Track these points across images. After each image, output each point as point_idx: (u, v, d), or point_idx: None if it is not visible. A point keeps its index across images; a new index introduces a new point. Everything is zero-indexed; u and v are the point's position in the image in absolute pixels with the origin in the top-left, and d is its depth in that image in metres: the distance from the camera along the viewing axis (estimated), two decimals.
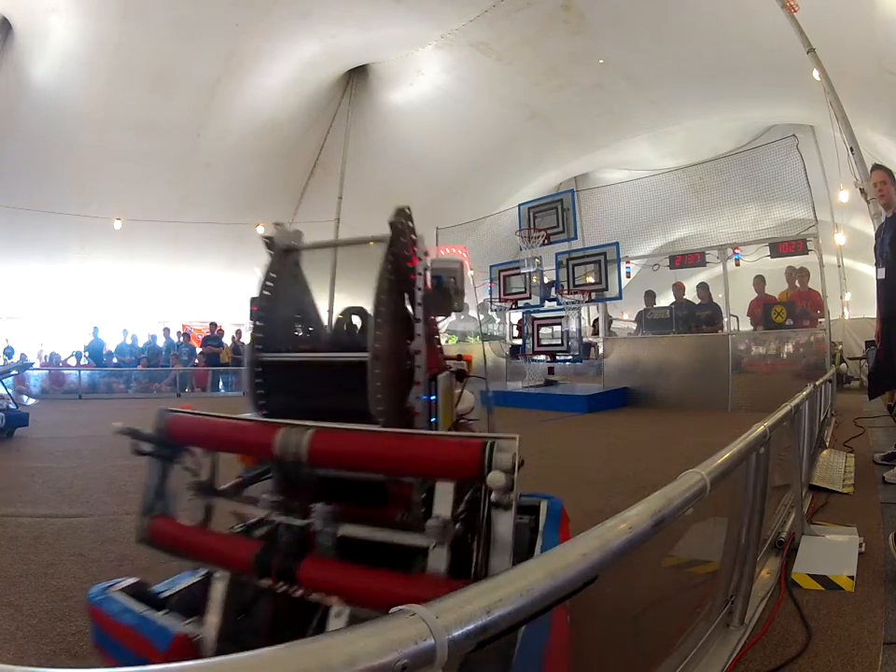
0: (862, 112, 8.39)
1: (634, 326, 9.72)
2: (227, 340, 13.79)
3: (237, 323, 13.60)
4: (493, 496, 1.08)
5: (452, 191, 14.84)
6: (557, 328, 8.75)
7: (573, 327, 8.56)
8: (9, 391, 6.42)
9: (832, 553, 2.14)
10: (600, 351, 8.74)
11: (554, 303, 8.80)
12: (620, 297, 8.38)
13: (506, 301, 9.53)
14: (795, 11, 7.28)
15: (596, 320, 9.48)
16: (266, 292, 1.65)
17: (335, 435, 1.31)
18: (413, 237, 1.55)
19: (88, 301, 13.64)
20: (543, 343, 8.93)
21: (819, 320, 7.39)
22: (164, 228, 12.96)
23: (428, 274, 1.60)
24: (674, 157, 14.10)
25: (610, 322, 9.53)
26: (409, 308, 1.57)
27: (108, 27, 9.60)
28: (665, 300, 9.93)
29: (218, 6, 9.65)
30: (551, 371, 9.28)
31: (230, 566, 1.32)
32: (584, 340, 8.70)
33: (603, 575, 0.72)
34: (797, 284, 7.87)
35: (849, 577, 1.92)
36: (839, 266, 12.84)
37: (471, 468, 1.11)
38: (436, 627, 0.46)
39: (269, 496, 1.43)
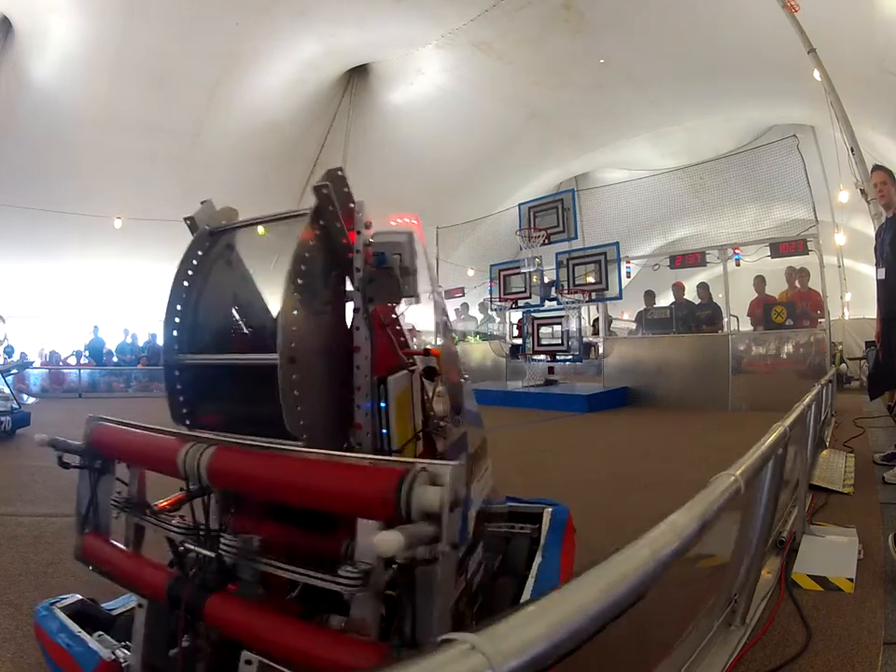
0: (863, 112, 8.39)
1: (634, 325, 9.71)
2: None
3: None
4: (419, 550, 0.82)
5: (452, 191, 14.83)
6: (557, 327, 8.74)
7: (573, 326, 8.56)
8: (12, 391, 6.40)
9: (831, 554, 2.14)
10: (600, 351, 8.74)
11: (554, 303, 8.79)
12: (620, 297, 8.38)
13: (506, 300, 9.53)
14: (796, 11, 7.28)
15: (596, 320, 9.48)
16: (185, 282, 1.39)
17: (236, 454, 1.12)
18: (351, 205, 1.26)
19: (88, 299, 13.63)
20: (543, 342, 8.92)
21: (819, 320, 7.38)
22: (164, 227, 12.90)
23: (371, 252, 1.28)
24: (674, 157, 14.10)
25: (610, 322, 9.53)
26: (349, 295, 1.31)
27: (109, 27, 9.59)
28: (665, 300, 9.92)
29: (218, 6, 9.65)
30: (551, 370, 9.27)
31: (147, 592, 1.20)
32: (584, 339, 8.69)
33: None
34: (797, 284, 7.87)
35: (848, 579, 1.92)
36: (839, 266, 12.84)
37: (385, 505, 0.86)
38: (495, 658, 0.40)
39: (179, 521, 1.26)
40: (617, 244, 8.37)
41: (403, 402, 1.35)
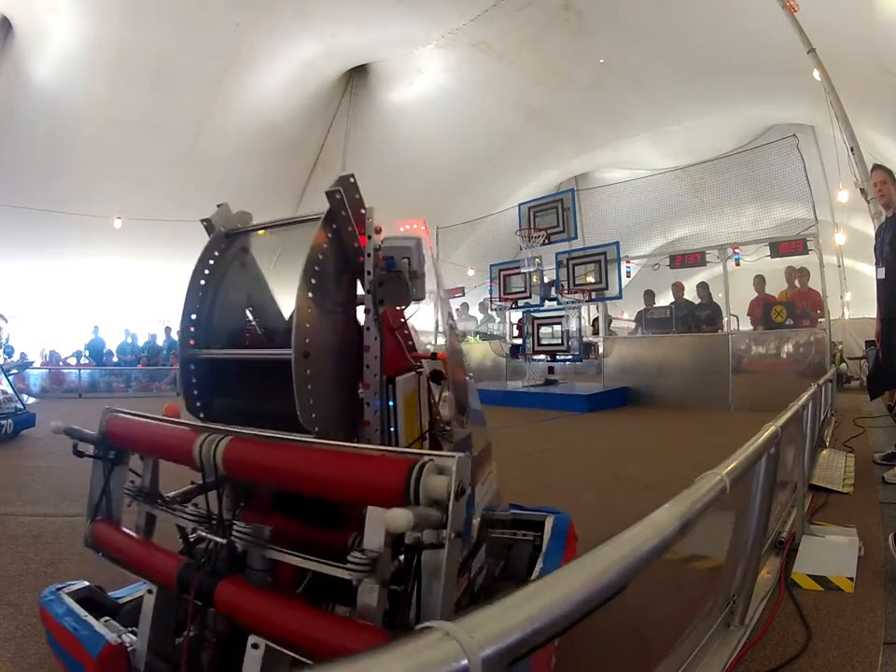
0: (862, 112, 8.39)
1: (634, 325, 9.71)
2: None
3: None
4: (423, 533, 0.86)
5: (452, 191, 14.83)
6: (557, 327, 8.74)
7: (573, 326, 8.56)
8: (15, 391, 6.40)
9: (831, 553, 2.14)
10: (600, 351, 8.74)
11: (554, 303, 8.79)
12: (620, 296, 8.38)
13: (506, 300, 9.53)
14: (795, 11, 7.28)
15: (596, 319, 9.48)
16: (201, 281, 1.45)
17: (251, 444, 1.17)
18: (363, 210, 1.31)
19: (88, 299, 13.63)
20: (543, 342, 8.92)
21: (819, 320, 7.38)
22: (164, 227, 12.95)
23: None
24: (674, 156, 14.11)
25: (610, 322, 9.53)
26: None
27: (109, 27, 9.59)
28: (665, 299, 9.92)
29: (218, 5, 9.64)
30: (551, 370, 9.27)
31: (157, 579, 1.24)
32: (584, 339, 8.69)
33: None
34: (797, 284, 7.87)
35: (849, 578, 1.92)
36: (839, 266, 12.85)
37: (394, 493, 0.90)
38: (469, 646, 0.43)
39: (194, 508, 1.30)
40: (617, 243, 8.37)
41: (411, 403, 1.39)
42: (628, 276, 8.72)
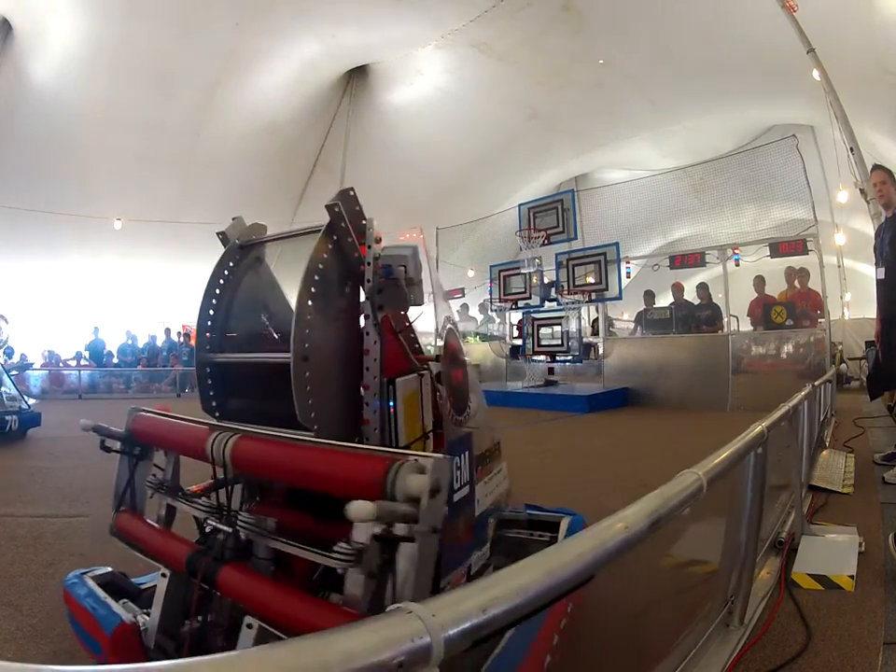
0: (862, 112, 8.39)
1: (633, 326, 9.71)
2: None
3: None
4: (397, 526, 0.92)
5: (452, 191, 14.84)
6: (557, 328, 8.74)
7: (573, 327, 8.56)
8: (19, 391, 6.41)
9: (831, 553, 2.14)
10: (600, 351, 8.74)
11: (554, 303, 8.79)
12: (620, 297, 8.38)
13: (506, 301, 9.53)
14: (795, 11, 7.28)
15: (595, 320, 9.48)
16: (216, 290, 1.56)
17: (255, 442, 1.26)
18: (363, 222, 1.39)
19: (88, 300, 13.64)
20: (543, 343, 8.92)
21: (819, 320, 7.38)
22: (165, 228, 12.96)
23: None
24: (674, 157, 14.10)
25: (611, 323, 9.52)
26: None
27: (108, 27, 9.60)
28: (665, 300, 9.92)
29: (218, 6, 9.65)
30: (551, 371, 9.27)
31: (170, 564, 1.34)
32: (584, 340, 8.69)
33: (602, 575, 0.72)
34: (797, 284, 7.87)
35: (849, 577, 1.92)
36: (839, 266, 12.84)
37: (373, 488, 0.97)
38: (432, 625, 0.47)
39: (206, 500, 1.39)
40: (617, 244, 8.37)
41: (411, 403, 1.44)
42: (628, 277, 8.73)
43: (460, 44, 11.24)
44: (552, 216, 8.86)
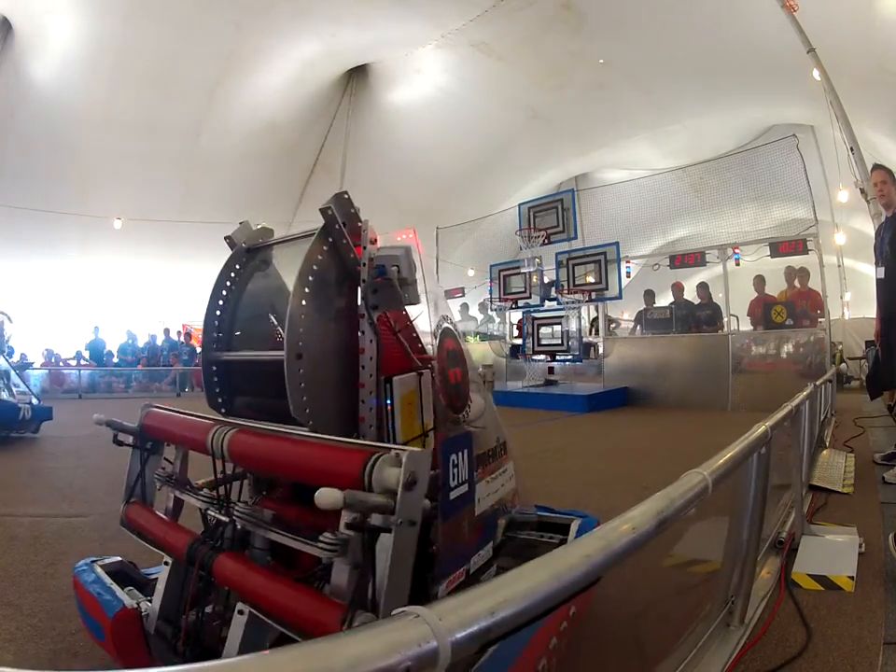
0: (862, 112, 8.39)
1: (632, 325, 9.71)
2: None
3: None
4: (373, 517, 0.94)
5: (452, 191, 14.84)
6: (557, 327, 8.74)
7: (573, 326, 8.56)
8: (28, 386, 6.49)
9: (832, 553, 2.14)
10: (600, 351, 8.74)
11: (554, 303, 8.80)
12: (620, 297, 8.38)
13: (506, 300, 9.53)
14: (795, 11, 7.28)
15: (595, 319, 9.48)
16: (223, 291, 1.62)
17: (250, 436, 1.30)
18: (359, 223, 1.42)
19: (88, 300, 13.64)
20: (543, 342, 8.92)
21: (819, 320, 7.39)
22: (164, 227, 12.96)
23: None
24: (674, 156, 14.10)
25: (611, 323, 9.52)
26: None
27: (108, 27, 9.60)
28: (665, 299, 9.93)
29: (218, 6, 9.65)
30: (551, 370, 9.27)
31: (172, 553, 1.40)
32: (584, 340, 8.69)
33: (605, 575, 0.72)
34: (797, 284, 7.88)
35: (849, 577, 1.92)
36: (839, 266, 12.85)
37: (351, 480, 0.99)
38: (438, 629, 0.46)
39: (206, 491, 1.46)
40: (617, 244, 8.37)
41: (409, 401, 1.46)
42: (628, 276, 8.73)
43: (460, 44, 11.24)
44: (552, 215, 8.86)
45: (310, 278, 1.34)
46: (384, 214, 1.52)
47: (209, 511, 1.38)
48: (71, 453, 4.78)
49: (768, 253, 7.46)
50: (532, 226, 8.98)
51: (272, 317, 1.57)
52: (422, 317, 1.58)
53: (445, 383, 1.41)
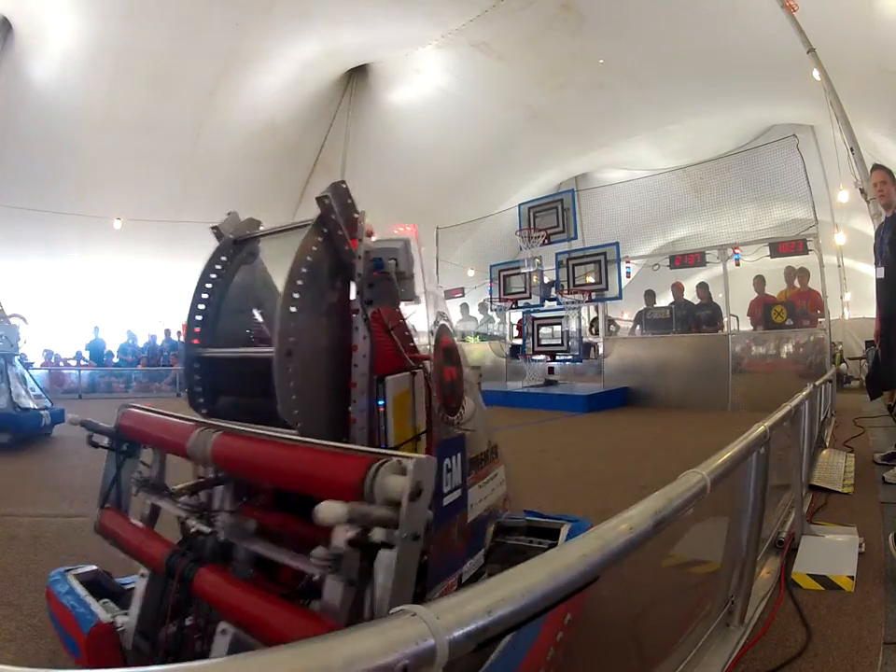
0: (862, 112, 8.38)
1: (636, 326, 9.70)
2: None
3: None
4: (375, 531, 0.85)
5: (452, 191, 14.83)
6: (557, 327, 8.74)
7: (573, 326, 8.56)
8: (42, 388, 6.47)
9: (832, 552, 2.14)
10: (600, 351, 8.74)
11: (554, 303, 8.79)
12: (620, 297, 8.38)
13: (506, 300, 9.52)
14: (795, 11, 7.28)
15: (594, 319, 9.48)
16: (207, 284, 1.51)
17: (235, 439, 1.22)
18: (355, 215, 1.34)
19: (88, 299, 13.63)
20: (543, 342, 8.92)
21: (819, 320, 7.38)
22: (164, 227, 12.96)
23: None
24: (674, 156, 14.10)
25: (611, 323, 9.52)
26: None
27: (108, 27, 9.59)
28: (665, 300, 9.93)
29: (218, 6, 9.64)
30: (551, 370, 9.27)
31: (150, 564, 1.32)
32: (584, 340, 8.69)
33: (604, 575, 0.72)
34: (797, 284, 7.87)
35: (849, 577, 1.92)
36: (839, 266, 12.84)
37: (351, 490, 0.90)
38: (436, 628, 0.46)
39: (187, 499, 1.36)
40: (617, 244, 8.37)
41: (402, 402, 1.38)
42: (628, 277, 8.72)
43: (460, 44, 11.24)
44: (552, 215, 8.86)
45: (303, 270, 1.25)
46: (383, 213, 1.49)
47: (189, 521, 1.30)
48: (71, 453, 4.78)
49: (768, 253, 7.46)
50: (532, 226, 8.98)
51: (258, 313, 1.49)
52: (416, 316, 1.54)
53: (441, 381, 1.36)
